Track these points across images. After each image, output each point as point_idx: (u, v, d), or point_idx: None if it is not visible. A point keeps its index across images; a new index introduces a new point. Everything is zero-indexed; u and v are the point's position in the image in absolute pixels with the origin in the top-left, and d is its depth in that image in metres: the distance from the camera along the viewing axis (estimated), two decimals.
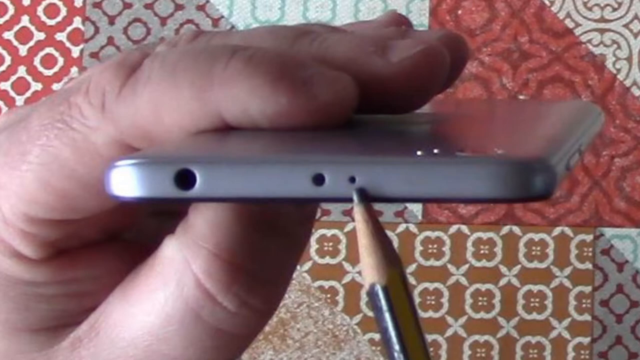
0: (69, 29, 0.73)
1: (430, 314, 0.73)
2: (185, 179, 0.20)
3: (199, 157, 0.21)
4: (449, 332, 0.72)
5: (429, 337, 0.75)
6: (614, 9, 0.75)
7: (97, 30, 0.73)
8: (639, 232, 0.73)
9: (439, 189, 0.19)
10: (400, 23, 0.29)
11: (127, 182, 0.20)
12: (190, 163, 0.20)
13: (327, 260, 0.73)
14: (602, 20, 0.75)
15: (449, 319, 0.72)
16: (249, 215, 0.24)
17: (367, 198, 0.19)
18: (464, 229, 0.73)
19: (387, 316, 0.20)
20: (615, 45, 0.76)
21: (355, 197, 0.19)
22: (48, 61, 0.73)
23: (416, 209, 0.74)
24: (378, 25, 0.29)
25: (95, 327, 0.27)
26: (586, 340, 0.72)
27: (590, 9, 0.74)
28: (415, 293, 0.74)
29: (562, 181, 0.19)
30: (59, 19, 0.73)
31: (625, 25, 0.76)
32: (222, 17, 0.74)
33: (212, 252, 0.24)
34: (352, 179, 0.19)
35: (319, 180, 0.19)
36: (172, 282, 0.25)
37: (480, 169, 0.18)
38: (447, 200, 0.18)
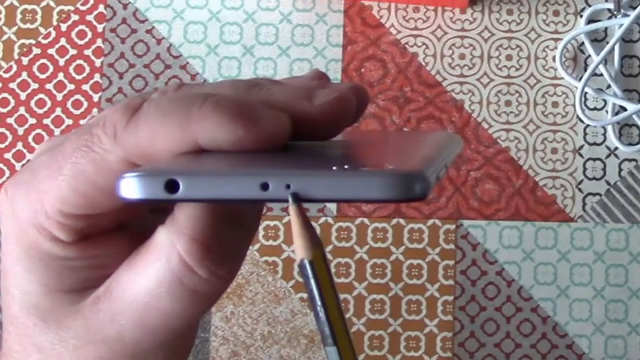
0: (91, 81, 0.75)
1: (342, 279, 0.75)
2: (172, 186, 0.23)
3: (181, 171, 0.24)
4: (355, 293, 0.75)
5: (341, 296, 0.77)
6: (470, 68, 0.77)
7: (110, 83, 0.75)
8: (487, 222, 0.75)
9: (349, 193, 0.23)
10: (321, 77, 0.33)
11: (132, 188, 0.24)
12: (175, 175, 0.23)
13: (271, 242, 0.76)
14: (462, 76, 0.77)
15: (355, 283, 0.75)
16: (217, 211, 0.28)
17: (298, 199, 0.23)
18: (366, 220, 0.76)
19: (312, 282, 0.24)
20: (470, 93, 0.77)
21: (290, 199, 0.23)
22: (77, 104, 0.75)
23: (332, 206, 0.76)
24: (306, 79, 0.33)
25: (109, 289, 0.31)
26: (450, 298, 0.76)
27: (453, 68, 0.77)
28: (332, 265, 0.76)
29: (434, 187, 0.24)
30: (84, 74, 0.75)
31: (478, 79, 0.77)
32: (198, 73, 0.76)
33: (190, 237, 0.28)
34: (288, 186, 0.23)
35: (265, 187, 0.23)
36: (162, 258, 0.29)
37: (377, 179, 0.22)
38: (354, 201, 0.23)
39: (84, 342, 0.34)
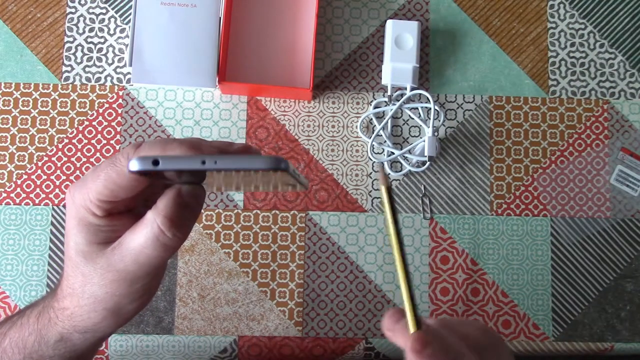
0: (115, 139, 0.94)
1: (245, 242, 0.92)
2: (156, 162, 0.38)
3: (160, 156, 0.40)
4: (253, 248, 0.92)
5: (246, 250, 0.94)
6: (312, 132, 0.92)
7: (125, 139, 0.94)
8: (322, 212, 0.92)
9: (247, 165, 0.38)
10: (231, 144, 0.47)
11: (135, 164, 0.40)
12: (157, 157, 0.39)
13: (208, 222, 0.91)
14: (308, 136, 0.94)
15: (252, 244, 0.91)
16: (179, 202, 0.43)
17: (222, 169, 0.36)
18: (258, 211, 0.91)
19: (386, 201, 0.41)
20: (313, 145, 0.93)
21: (216, 167, 0.35)
22: (107, 150, 0.94)
23: (240, 203, 0.91)
24: (230, 142, 0.47)
25: (120, 243, 0.46)
26: (302, 251, 0.91)
27: (303, 132, 0.93)
28: (240, 234, 0.91)
29: (291, 170, 0.41)
30: (112, 135, 0.94)
31: (316, 138, 0.93)
32: (170, 134, 0.93)
33: (164, 216, 0.43)
34: (215, 162, 0.38)
35: (203, 162, 0.38)
36: (149, 226, 0.44)
37: (263, 157, 0.39)
38: (251, 169, 0.37)
39: (105, 270, 0.46)
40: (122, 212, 0.48)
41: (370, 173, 0.96)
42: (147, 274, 0.47)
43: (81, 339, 0.51)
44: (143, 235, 0.45)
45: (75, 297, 0.48)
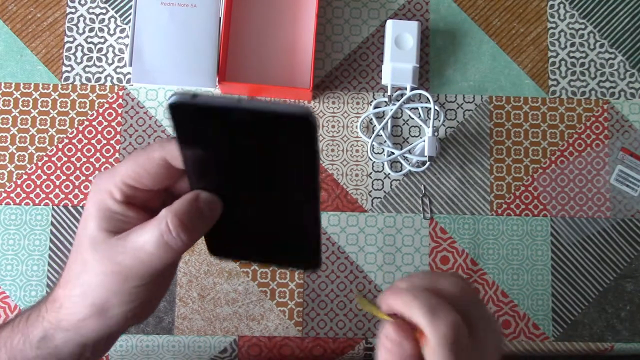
0: (115, 139, 0.94)
1: None
2: (195, 95, 0.40)
3: (200, 94, 0.41)
4: None
5: None
6: None
7: (125, 139, 0.94)
8: (322, 212, 0.91)
9: (281, 109, 0.39)
10: None
11: (176, 97, 0.41)
12: (197, 93, 0.41)
13: None
14: None
15: None
16: (195, 206, 0.45)
17: (247, 107, 0.39)
18: None
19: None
20: None
21: (251, 108, 0.38)
22: (108, 151, 0.95)
23: None
24: None
25: (127, 235, 0.47)
26: None
27: None
28: None
29: (315, 126, 0.42)
30: (112, 135, 0.95)
31: None
32: (170, 134, 0.91)
33: (176, 216, 0.45)
34: (250, 102, 0.39)
35: (240, 101, 0.39)
36: (158, 223, 0.45)
37: (297, 106, 0.40)
38: (282, 113, 0.39)
39: (105, 259, 0.48)
40: (139, 206, 0.49)
41: (370, 173, 0.97)
42: (145, 274, 0.47)
43: (63, 339, 0.51)
44: (149, 232, 0.46)
45: (69, 286, 0.49)
